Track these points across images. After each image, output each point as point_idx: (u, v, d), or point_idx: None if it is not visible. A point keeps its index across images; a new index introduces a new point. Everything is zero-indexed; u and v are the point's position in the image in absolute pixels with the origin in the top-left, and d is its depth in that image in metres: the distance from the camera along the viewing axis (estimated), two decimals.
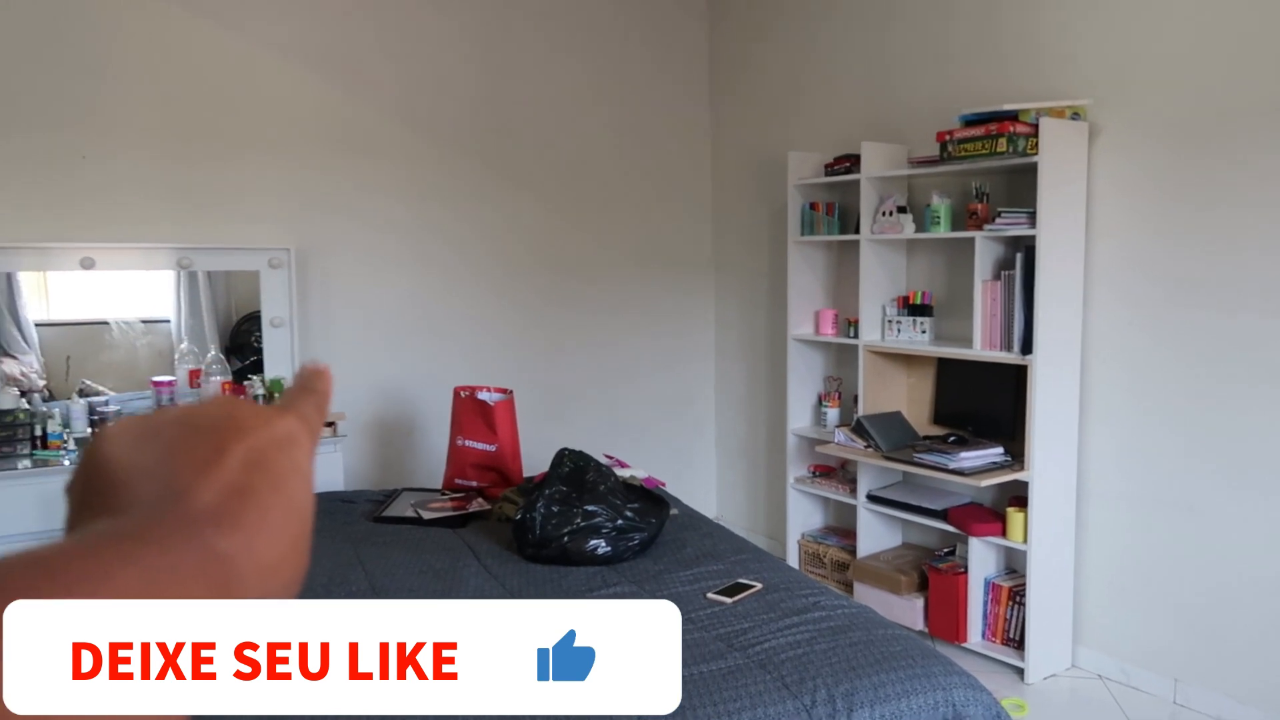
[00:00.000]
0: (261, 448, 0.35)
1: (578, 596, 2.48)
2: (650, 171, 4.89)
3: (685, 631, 2.24)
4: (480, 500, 3.29)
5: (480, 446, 3.38)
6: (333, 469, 3.56)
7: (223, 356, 3.82)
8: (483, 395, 3.42)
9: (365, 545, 2.89)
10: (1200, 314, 3.04)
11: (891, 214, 3.77)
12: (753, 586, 2.47)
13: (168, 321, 3.92)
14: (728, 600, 2.40)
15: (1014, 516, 3.30)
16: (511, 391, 3.47)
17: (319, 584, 2.56)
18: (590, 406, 4.75)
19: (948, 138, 3.41)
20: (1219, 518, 3.01)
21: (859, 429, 3.72)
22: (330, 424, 3.67)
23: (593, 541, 2.69)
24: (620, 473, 3.27)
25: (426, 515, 3.13)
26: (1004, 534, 3.34)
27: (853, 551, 3.92)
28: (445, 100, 4.26)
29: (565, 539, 2.69)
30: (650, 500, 2.94)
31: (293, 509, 0.35)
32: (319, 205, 3.99)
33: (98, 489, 0.34)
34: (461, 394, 3.47)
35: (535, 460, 4.17)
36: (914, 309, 3.81)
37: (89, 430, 3.35)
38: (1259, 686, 2.93)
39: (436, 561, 2.75)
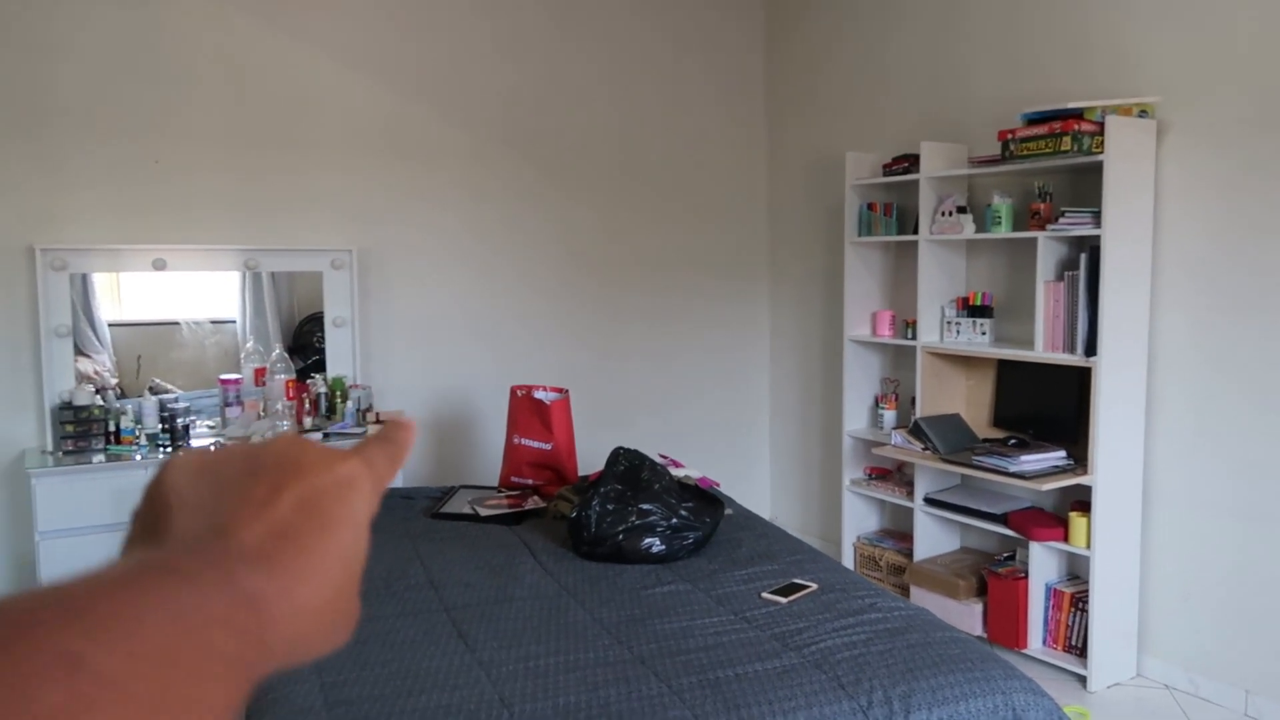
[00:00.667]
0: (318, 490, 0.33)
1: (631, 593, 2.49)
2: (705, 173, 4.89)
3: (739, 630, 2.24)
4: (536, 498, 3.32)
5: (536, 445, 3.42)
6: None
7: (286, 355, 3.92)
8: (539, 394, 3.45)
9: (423, 541, 2.94)
10: (1271, 318, 2.94)
11: (951, 214, 3.72)
12: (808, 587, 2.46)
13: (233, 322, 4.02)
14: (783, 600, 2.39)
15: (1076, 521, 3.23)
16: (567, 391, 3.49)
17: (378, 578, 2.61)
18: (645, 408, 4.77)
19: (1009, 137, 3.36)
20: None
21: (916, 431, 3.68)
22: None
23: (647, 540, 2.70)
24: (675, 472, 3.28)
25: (483, 512, 3.17)
26: (1066, 539, 3.27)
27: (909, 555, 3.87)
28: (502, 106, 4.32)
29: (620, 537, 2.71)
30: (705, 500, 2.94)
31: (341, 556, 0.33)
32: (380, 209, 4.07)
33: (154, 517, 0.33)
34: (518, 393, 3.50)
35: (590, 461, 4.20)
36: (974, 310, 3.75)
37: (160, 427, 3.46)
38: None
39: (493, 557, 2.78)
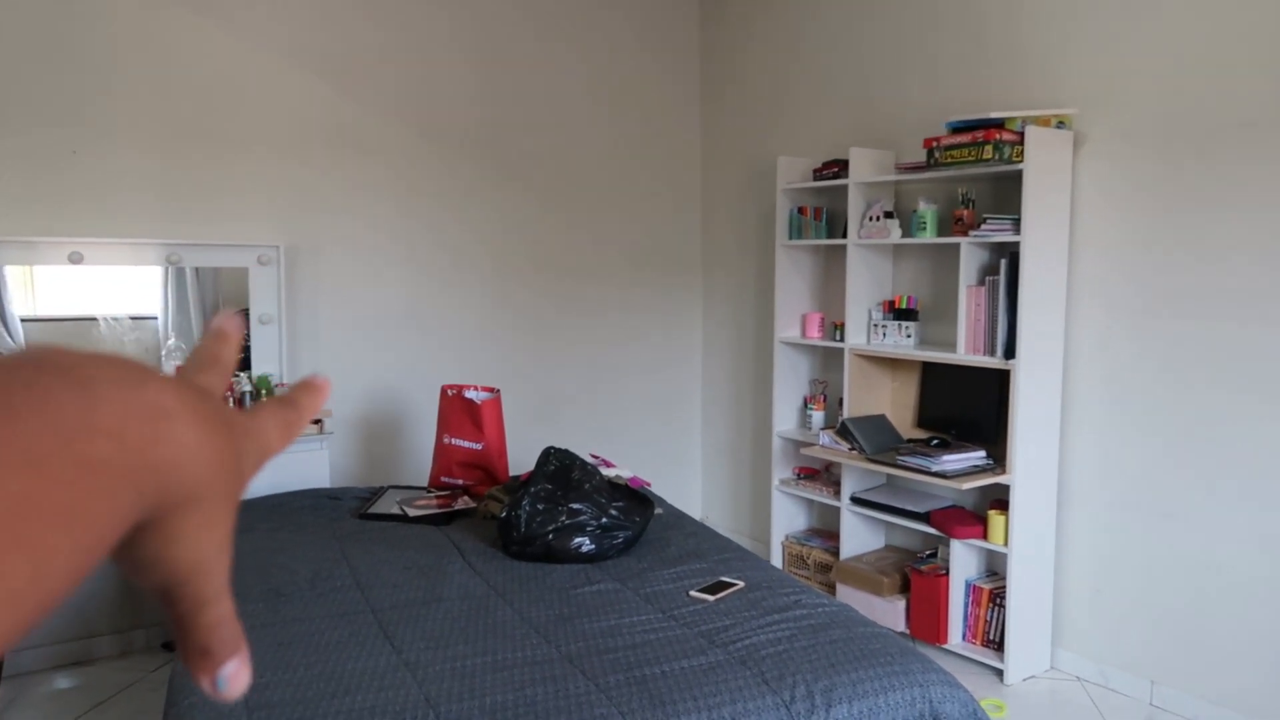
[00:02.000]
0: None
1: (561, 593, 2.50)
2: (641, 174, 4.92)
3: (667, 628, 2.26)
4: (466, 498, 3.31)
5: (467, 445, 3.40)
6: (319, 466, 3.57)
7: None
8: (470, 394, 3.43)
9: (350, 542, 2.90)
10: (1182, 322, 3.08)
11: (878, 219, 3.81)
12: (735, 585, 2.50)
13: (155, 318, 3.92)
14: (710, 598, 2.42)
15: (995, 519, 3.33)
16: (498, 390, 3.48)
17: (304, 580, 2.57)
18: (578, 406, 4.77)
19: (935, 144, 3.45)
20: (1197, 523, 3.05)
21: (843, 431, 3.75)
22: (317, 421, 3.68)
23: (577, 539, 2.71)
24: (606, 472, 3.29)
25: (412, 512, 3.14)
26: (985, 536, 3.37)
27: (836, 553, 3.94)
28: (438, 99, 4.28)
29: (550, 536, 2.71)
30: (635, 499, 2.96)
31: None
32: (309, 203, 4.00)
33: None
34: (449, 392, 3.48)
35: (523, 459, 4.20)
36: (899, 313, 3.84)
37: None
38: (1234, 690, 2.97)
39: (421, 558, 2.76)
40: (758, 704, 1.90)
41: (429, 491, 3.41)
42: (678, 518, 3.16)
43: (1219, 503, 2.99)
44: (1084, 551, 3.36)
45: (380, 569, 2.66)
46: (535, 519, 2.74)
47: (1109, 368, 3.28)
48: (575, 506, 2.75)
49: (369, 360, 4.18)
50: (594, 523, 2.74)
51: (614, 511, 2.79)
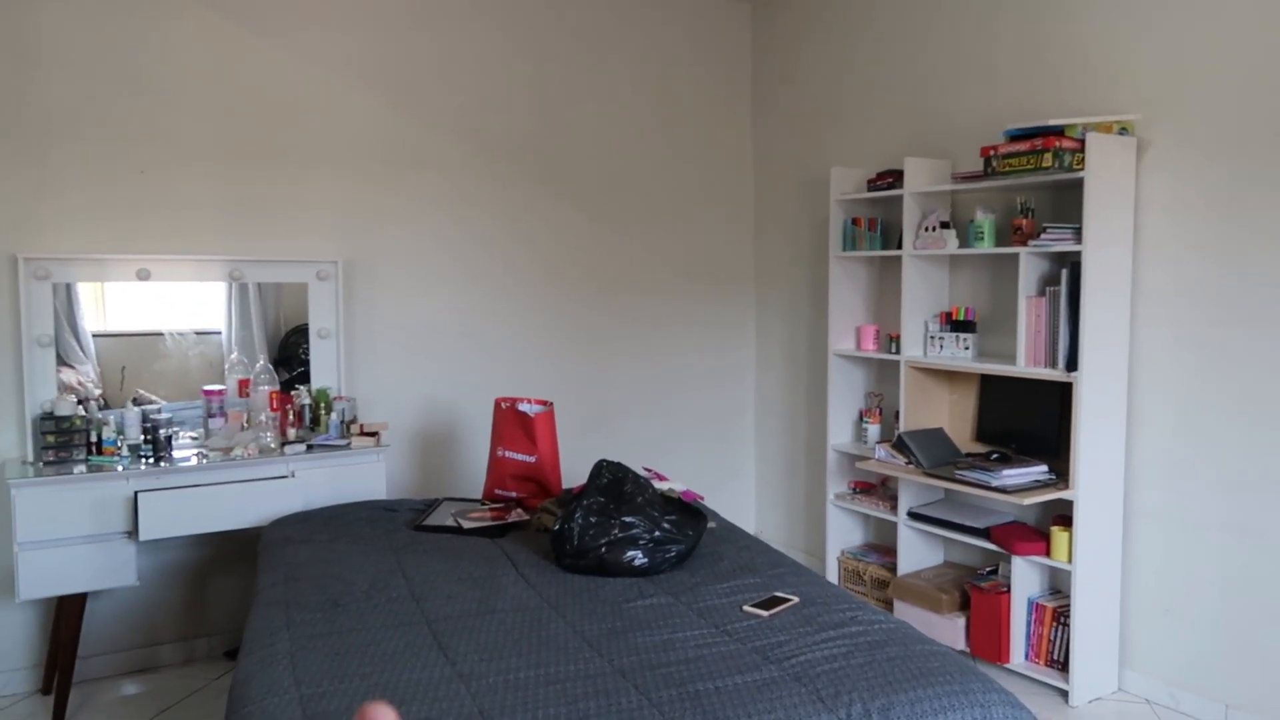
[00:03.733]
0: None
1: (613, 606, 2.49)
2: (694, 187, 4.92)
3: (720, 643, 2.24)
4: (519, 511, 3.32)
5: (520, 458, 3.41)
6: (375, 478, 3.62)
7: (271, 367, 3.91)
8: (523, 407, 3.45)
9: (406, 553, 2.93)
10: (1251, 335, 2.98)
11: (934, 229, 3.75)
12: (790, 600, 2.46)
13: (219, 333, 4.01)
14: (764, 613, 2.39)
15: (1058, 535, 3.24)
16: (551, 403, 3.50)
17: (360, 591, 2.60)
18: (632, 419, 4.77)
19: (992, 153, 3.39)
20: (1269, 539, 2.93)
21: (900, 445, 3.69)
22: (374, 434, 3.73)
23: (629, 553, 2.70)
24: (659, 485, 3.28)
25: (466, 525, 3.16)
26: (1048, 553, 3.29)
27: (893, 569, 3.88)
28: (492, 112, 4.34)
29: (602, 549, 2.71)
30: (688, 513, 2.94)
31: None
32: (366, 218, 4.08)
33: None
34: (502, 405, 3.50)
35: (576, 472, 4.21)
36: (957, 325, 3.78)
37: (142, 438, 3.45)
38: None
39: (475, 570, 2.78)
40: None
41: (483, 504, 3.43)
42: (731, 532, 3.13)
43: None
44: (1152, 569, 3.26)
45: (435, 580, 2.68)
46: (588, 532, 2.74)
47: (1175, 380, 3.18)
48: (628, 520, 2.74)
49: (424, 373, 4.23)
50: (646, 536, 2.73)
51: (666, 525, 2.77)
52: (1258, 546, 2.96)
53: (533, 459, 3.41)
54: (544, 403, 3.49)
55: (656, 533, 2.75)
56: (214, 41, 3.73)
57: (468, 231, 4.31)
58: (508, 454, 3.45)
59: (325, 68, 3.95)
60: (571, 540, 2.74)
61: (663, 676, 2.06)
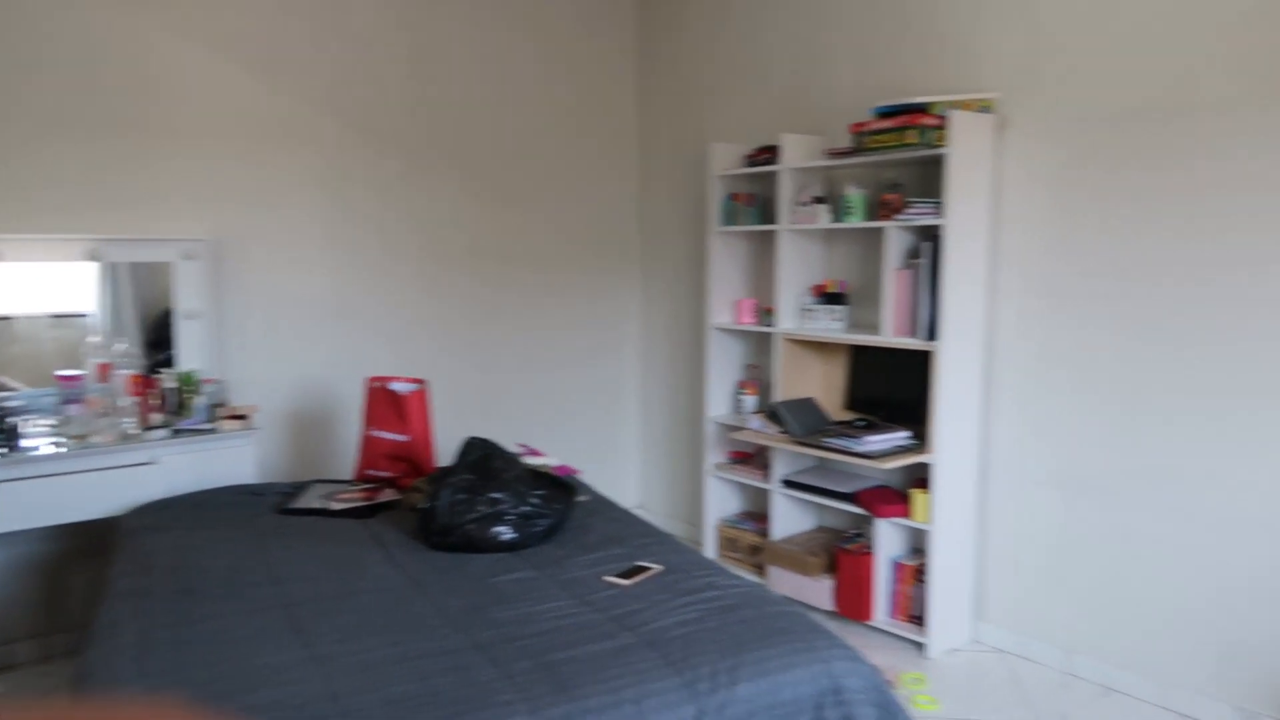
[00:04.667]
0: None
1: (478, 582, 2.50)
2: (576, 162, 4.90)
3: (580, 614, 2.27)
4: (391, 491, 3.29)
5: (392, 437, 3.38)
6: (244, 462, 3.53)
7: (136, 350, 3.75)
8: (395, 385, 3.41)
9: (270, 537, 2.88)
10: (1092, 308, 3.14)
11: (808, 204, 3.83)
12: (652, 569, 2.51)
13: (86, 315, 3.83)
14: (625, 583, 2.43)
15: (918, 498, 3.38)
16: (425, 381, 3.46)
17: (217, 578, 2.54)
18: (515, 396, 4.76)
19: (862, 130, 3.48)
20: (1112, 498, 3.12)
21: (773, 415, 3.78)
22: (243, 417, 3.63)
23: (497, 528, 2.71)
24: (534, 461, 3.29)
25: (334, 506, 3.12)
26: (908, 515, 3.43)
27: (765, 534, 3.98)
28: (368, 88, 4.23)
29: (469, 526, 2.71)
30: (557, 487, 2.97)
31: None
32: (237, 195, 3.94)
33: None
34: (373, 385, 3.46)
35: (451, 451, 4.18)
36: (829, 297, 3.88)
37: None
38: (1143, 656, 3.05)
39: (340, 551, 2.75)
40: (662, 685, 1.92)
41: (353, 485, 3.39)
42: (602, 504, 3.17)
43: (1133, 478, 3.07)
44: (1005, 527, 3.43)
45: (297, 564, 2.64)
46: (455, 508, 2.74)
47: (1030, 347, 3.34)
48: (495, 495, 2.75)
49: (299, 354, 4.13)
50: (514, 511, 2.74)
51: (534, 500, 2.79)
52: (1100, 504, 3.15)
53: (405, 438, 3.37)
54: (417, 381, 3.45)
55: (524, 507, 2.76)
56: (70, 9, 3.53)
57: (344, 208, 4.22)
58: (379, 434, 3.41)
59: (193, 38, 3.79)
60: (439, 518, 2.74)
61: (519, 649, 2.08)
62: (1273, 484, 2.75)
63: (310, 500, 3.19)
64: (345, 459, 4.18)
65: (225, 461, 3.49)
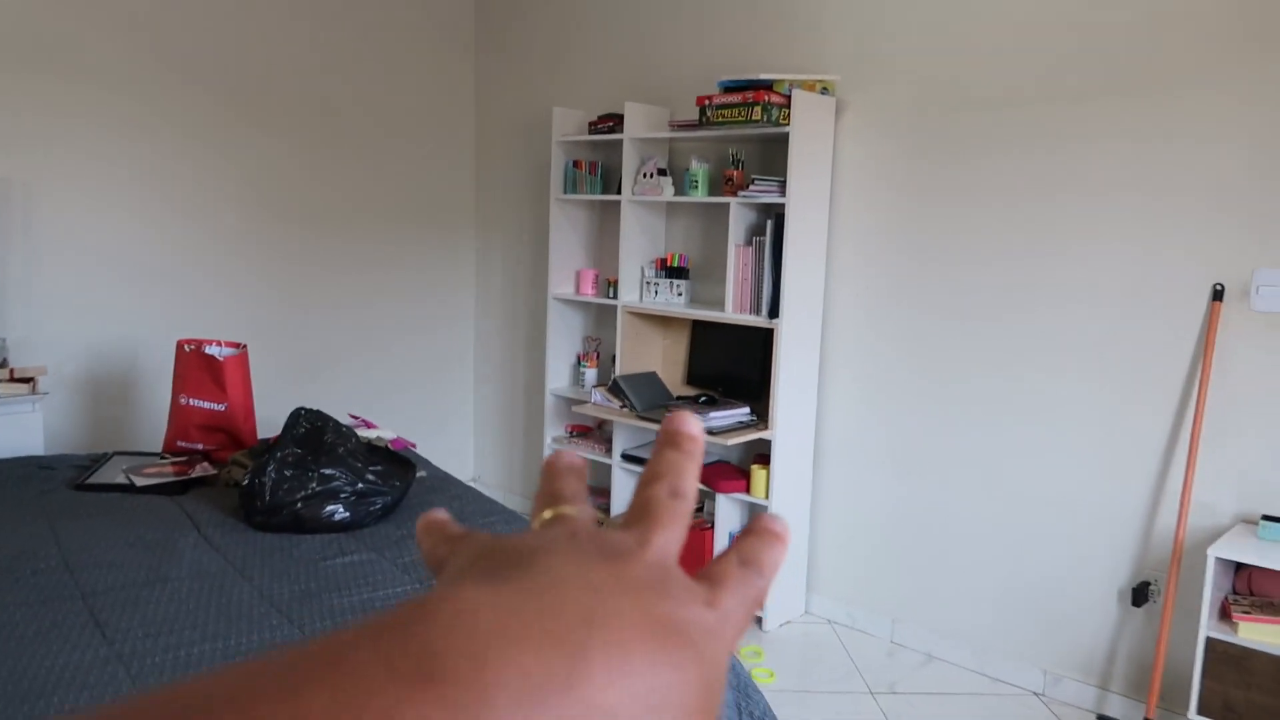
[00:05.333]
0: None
1: (309, 566, 2.32)
2: (410, 121, 4.65)
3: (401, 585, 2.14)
4: (206, 465, 3.01)
5: (207, 406, 3.09)
6: (31, 432, 3.14)
7: None
8: (211, 349, 3.12)
9: (63, 517, 2.56)
10: (922, 293, 3.27)
11: (652, 176, 3.79)
12: None
13: None
14: None
15: (757, 474, 3.44)
16: (244, 345, 3.19)
17: (1, 564, 2.24)
18: (343, 366, 4.50)
19: (707, 103, 3.45)
20: (936, 475, 3.27)
21: (615, 389, 3.74)
22: (29, 380, 3.23)
23: (330, 507, 2.53)
24: (366, 434, 3.10)
25: (140, 482, 2.82)
26: (748, 490, 3.48)
27: (608, 510, 3.95)
28: (191, 30, 3.83)
29: (298, 505, 2.51)
30: (395, 462, 2.80)
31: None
32: (28, 133, 3.48)
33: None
34: (185, 348, 3.14)
35: (276, 422, 3.89)
36: (671, 271, 3.86)
37: None
38: (962, 625, 3.24)
39: (148, 533, 2.48)
40: None
41: (162, 458, 3.08)
42: (443, 480, 3.03)
43: (952, 456, 3.22)
44: (836, 503, 3.55)
45: (96, 547, 2.36)
46: (282, 486, 2.53)
47: (864, 329, 3.44)
48: (327, 472, 2.56)
49: (95, 311, 3.71)
50: (349, 489, 2.56)
51: (371, 476, 2.62)
52: (919, 481, 3.31)
53: (222, 407, 3.09)
54: (236, 345, 3.17)
55: (360, 485, 2.59)
56: None
57: (154, 156, 3.80)
58: (192, 401, 3.11)
59: None
60: (263, 496, 2.52)
61: None
62: (1067, 463, 2.95)
63: (111, 475, 2.87)
64: (153, 430, 3.81)
65: (8, 430, 3.10)
